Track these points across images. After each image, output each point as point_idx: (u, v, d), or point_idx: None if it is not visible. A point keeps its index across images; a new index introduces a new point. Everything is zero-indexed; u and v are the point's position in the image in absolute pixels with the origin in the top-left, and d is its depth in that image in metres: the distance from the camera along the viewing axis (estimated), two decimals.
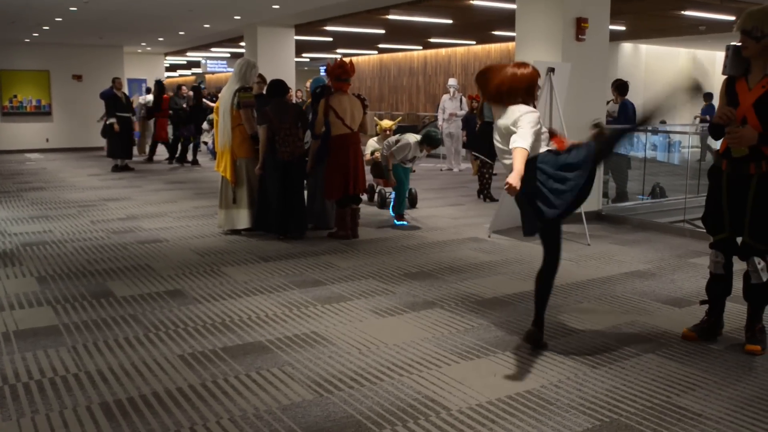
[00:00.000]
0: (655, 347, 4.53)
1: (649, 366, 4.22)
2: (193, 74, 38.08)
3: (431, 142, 8.59)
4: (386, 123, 9.96)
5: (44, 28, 16.24)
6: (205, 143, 17.77)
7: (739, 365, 4.24)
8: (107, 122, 14.71)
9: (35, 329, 4.83)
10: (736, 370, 4.16)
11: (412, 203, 10.01)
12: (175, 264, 6.70)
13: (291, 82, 15.35)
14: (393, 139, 8.76)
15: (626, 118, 10.19)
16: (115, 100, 14.66)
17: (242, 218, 8.05)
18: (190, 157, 16.19)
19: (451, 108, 15.01)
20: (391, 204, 9.13)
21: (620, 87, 10.37)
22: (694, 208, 9.68)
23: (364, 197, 9.86)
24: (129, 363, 4.24)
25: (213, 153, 16.12)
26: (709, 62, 22.19)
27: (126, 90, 16.30)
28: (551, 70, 7.77)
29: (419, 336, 4.71)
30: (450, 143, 15.11)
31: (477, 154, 11.41)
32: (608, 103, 10.24)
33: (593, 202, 8.98)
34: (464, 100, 15.32)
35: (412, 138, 8.59)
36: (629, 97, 10.45)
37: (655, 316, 5.17)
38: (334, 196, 7.79)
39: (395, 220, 8.83)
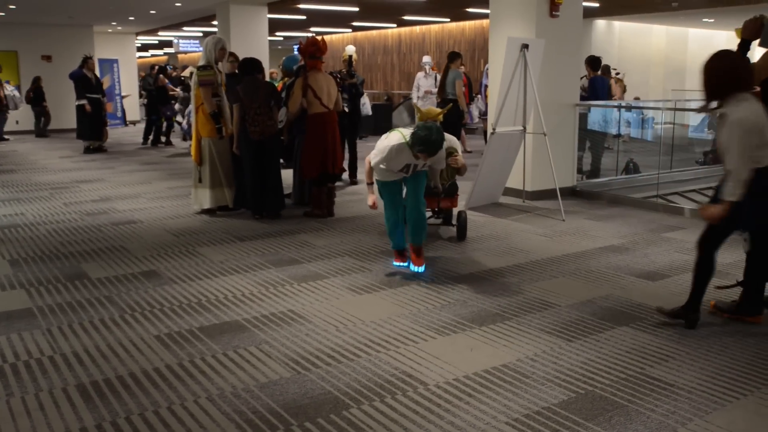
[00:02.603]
0: (629, 320, 4.59)
1: (624, 338, 4.27)
2: (165, 54, 37.62)
3: (423, 145, 5.13)
4: (433, 111, 6.40)
5: (11, 6, 15.90)
6: (179, 123, 17.60)
7: (710, 337, 4.30)
8: (77, 104, 14.46)
9: (8, 312, 4.78)
10: (707, 341, 4.23)
11: (460, 233, 6.79)
12: (150, 245, 6.65)
13: (264, 61, 15.19)
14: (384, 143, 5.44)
15: (594, 93, 10.22)
16: (84, 81, 14.38)
17: (206, 198, 8.02)
18: (163, 138, 16.06)
19: (425, 86, 14.94)
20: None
21: (592, 62, 10.41)
22: (667, 184, 9.81)
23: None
24: (105, 344, 4.21)
25: (187, 133, 16.00)
26: (682, 39, 22.31)
27: (97, 71, 15.96)
28: (525, 46, 7.78)
29: (396, 312, 4.73)
30: None
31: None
32: (582, 78, 10.28)
33: (568, 178, 9.04)
34: (439, 77, 15.29)
35: (397, 137, 5.29)
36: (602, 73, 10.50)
37: (629, 290, 5.23)
38: (311, 175, 7.76)
39: (394, 261, 5.81)
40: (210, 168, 7.90)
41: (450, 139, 6.20)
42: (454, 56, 11.18)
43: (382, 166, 5.40)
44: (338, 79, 8.52)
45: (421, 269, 5.59)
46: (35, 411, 3.37)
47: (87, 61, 14.51)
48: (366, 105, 17.18)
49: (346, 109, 9.31)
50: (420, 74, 15.29)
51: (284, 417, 3.30)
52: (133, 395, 3.53)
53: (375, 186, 5.62)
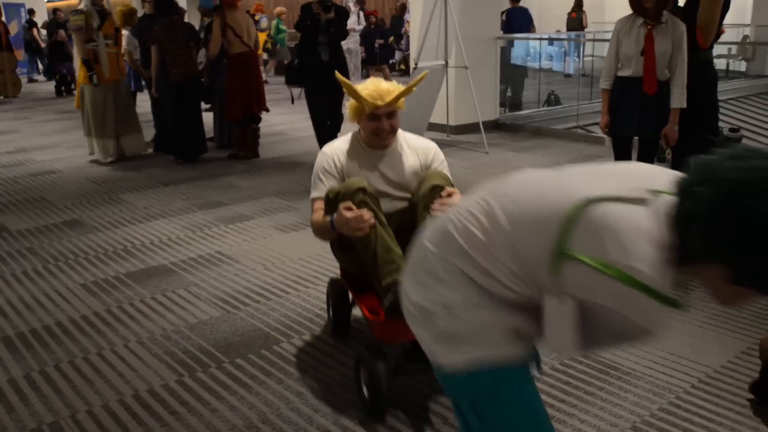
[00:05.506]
0: None
1: None
2: None
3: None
4: (373, 88, 2.86)
5: None
6: None
7: None
8: None
9: None
10: None
11: None
12: (71, 194, 6.50)
13: (182, 1, 14.70)
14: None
15: (508, 26, 10.19)
16: None
17: (90, 146, 7.97)
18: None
19: (349, 23, 14.79)
20: None
21: None
22: (587, 114, 10.03)
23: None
24: (29, 296, 4.15)
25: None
26: None
27: (3, 17, 15.09)
28: None
29: (323, 248, 4.75)
30: (349, 59, 14.95)
31: None
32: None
33: (490, 111, 9.15)
34: (362, 14, 15.13)
35: (637, 215, 1.41)
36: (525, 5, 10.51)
37: None
38: (236, 117, 7.66)
39: None
40: (84, 116, 7.80)
41: (425, 151, 3.10)
42: None
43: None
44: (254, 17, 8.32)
45: None
46: None
47: None
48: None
49: (324, 58, 6.80)
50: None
51: (215, 355, 3.34)
52: (60, 344, 3.51)
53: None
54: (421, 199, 2.85)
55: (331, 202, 2.86)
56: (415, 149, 3.08)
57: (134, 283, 4.29)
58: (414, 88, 2.98)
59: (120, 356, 3.36)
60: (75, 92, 15.15)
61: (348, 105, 2.97)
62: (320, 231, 2.96)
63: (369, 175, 2.98)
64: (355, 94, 2.87)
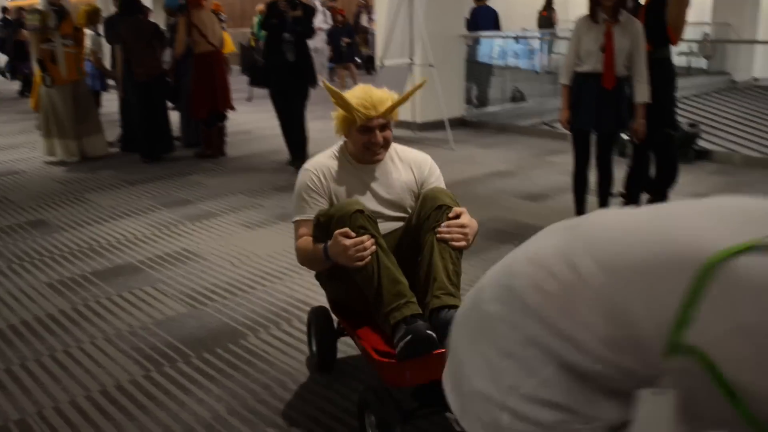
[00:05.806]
0: (512, 238, 4.82)
1: None
2: None
3: None
4: (364, 96, 2.62)
5: None
6: None
7: None
8: None
9: None
10: None
11: None
12: (36, 194, 6.45)
13: (146, 1, 14.56)
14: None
15: (474, 25, 10.26)
16: None
17: (48, 147, 7.86)
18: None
19: (316, 22, 14.78)
20: None
21: None
22: (552, 111, 10.16)
23: None
24: None
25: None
26: None
27: None
28: None
29: (290, 245, 4.74)
30: (316, 58, 14.95)
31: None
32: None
33: (456, 108, 9.23)
34: (328, 13, 15.12)
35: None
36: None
37: (514, 211, 5.49)
38: (201, 115, 7.65)
39: None
40: (44, 116, 7.71)
41: (419, 165, 2.90)
42: None
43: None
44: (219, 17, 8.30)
45: None
46: None
47: None
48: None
49: (290, 58, 6.67)
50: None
51: (182, 350, 3.37)
52: (27, 342, 3.51)
53: None
54: (426, 220, 2.55)
55: (323, 226, 2.55)
56: (408, 163, 2.81)
57: (101, 281, 4.29)
58: (409, 97, 2.75)
59: (87, 353, 3.37)
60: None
61: (335, 116, 2.66)
62: (309, 260, 2.66)
63: (359, 194, 2.69)
64: (345, 104, 2.56)
